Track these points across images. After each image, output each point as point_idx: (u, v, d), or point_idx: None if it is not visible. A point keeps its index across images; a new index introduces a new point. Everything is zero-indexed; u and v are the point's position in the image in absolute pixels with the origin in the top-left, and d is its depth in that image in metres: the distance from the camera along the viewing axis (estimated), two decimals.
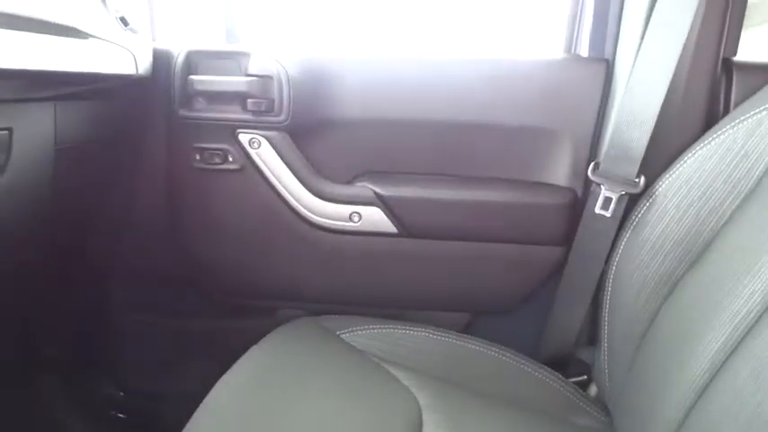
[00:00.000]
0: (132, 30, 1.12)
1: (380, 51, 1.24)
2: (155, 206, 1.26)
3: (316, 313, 1.21)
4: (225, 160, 1.19)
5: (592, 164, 1.04)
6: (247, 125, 1.18)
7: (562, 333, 1.11)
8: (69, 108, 1.05)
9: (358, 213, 1.18)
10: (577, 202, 1.14)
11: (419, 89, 1.18)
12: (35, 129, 0.99)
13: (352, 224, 1.19)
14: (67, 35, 0.97)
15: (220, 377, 0.94)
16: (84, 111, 1.09)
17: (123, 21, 1.10)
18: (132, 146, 1.22)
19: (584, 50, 1.24)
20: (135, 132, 1.22)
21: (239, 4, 1.41)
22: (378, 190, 1.18)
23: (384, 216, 1.18)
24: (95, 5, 1.07)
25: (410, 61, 1.21)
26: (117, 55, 1.06)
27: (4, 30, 0.82)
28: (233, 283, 1.30)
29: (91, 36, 1.01)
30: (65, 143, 1.05)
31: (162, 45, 1.22)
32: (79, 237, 1.25)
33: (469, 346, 1.09)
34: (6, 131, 0.93)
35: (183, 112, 1.19)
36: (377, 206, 1.17)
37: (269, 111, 1.17)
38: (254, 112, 1.17)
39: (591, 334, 1.13)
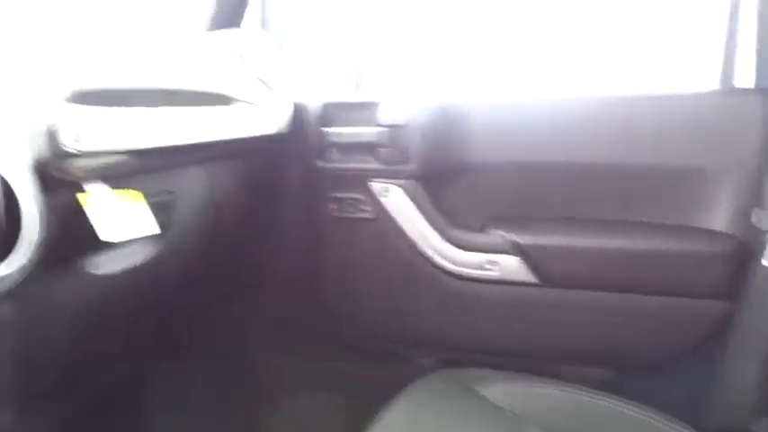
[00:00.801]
0: (271, 88, 1.18)
1: (511, 93, 1.21)
2: (295, 252, 1.31)
3: (451, 362, 1.19)
4: (359, 209, 1.22)
5: (756, 209, 0.93)
6: (379, 174, 1.19)
7: (731, 401, 1.00)
8: (218, 168, 1.13)
9: (494, 262, 1.15)
10: (740, 250, 1.03)
11: (554, 130, 1.14)
12: (192, 189, 1.07)
13: (488, 273, 1.16)
14: (216, 103, 1.04)
15: (355, 423, 0.95)
16: (230, 169, 1.16)
17: (263, 81, 1.17)
18: (273, 196, 1.28)
19: (741, 81, 1.13)
20: (275, 183, 1.28)
21: (368, 50, 1.45)
22: (514, 237, 1.14)
23: (522, 264, 1.13)
24: (238, 69, 1.14)
25: (544, 102, 1.16)
26: (259, 115, 1.12)
27: (171, 107, 0.90)
28: (368, 330, 1.31)
29: (236, 100, 1.08)
30: (216, 199, 1.13)
31: (297, 98, 1.28)
32: (228, 283, 1.32)
33: (624, 410, 1.01)
34: (170, 194, 1.02)
35: (319, 163, 1.23)
36: (514, 254, 1.13)
37: (400, 160, 1.18)
38: (385, 162, 1.19)
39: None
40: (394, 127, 1.17)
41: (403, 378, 1.10)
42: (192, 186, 1.08)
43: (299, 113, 1.24)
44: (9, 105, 0.65)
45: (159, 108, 0.87)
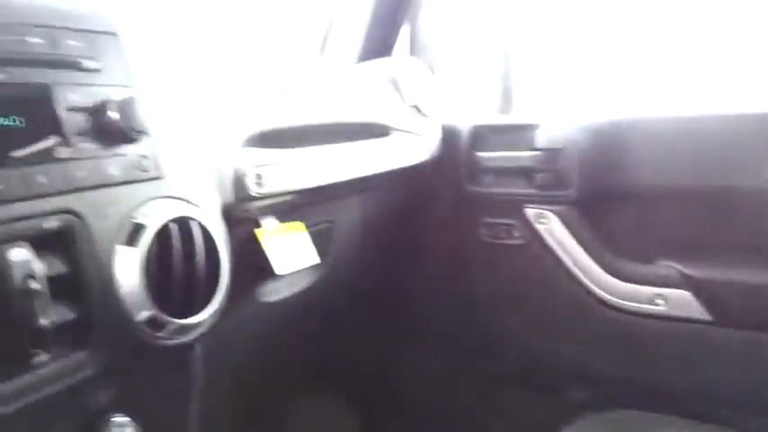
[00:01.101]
0: (424, 114, 1.19)
1: (679, 109, 1.11)
2: (445, 277, 1.30)
3: (605, 398, 1.12)
4: (511, 235, 1.18)
5: None
6: (534, 200, 1.15)
7: None
8: (372, 195, 1.16)
9: (662, 296, 1.06)
10: None
11: (729, 151, 1.02)
12: (348, 217, 1.11)
13: (655, 307, 1.07)
14: (376, 133, 1.07)
15: None
16: (383, 195, 1.18)
17: (417, 108, 1.18)
18: (423, 221, 1.29)
19: None
20: (426, 208, 1.28)
21: (518, 70, 1.41)
22: (686, 269, 1.04)
23: (694, 300, 1.03)
24: (393, 98, 1.16)
25: (715, 119, 1.05)
26: (414, 144, 1.13)
27: (338, 144, 0.93)
28: (516, 356, 1.27)
29: (394, 129, 1.10)
30: (369, 226, 1.16)
31: (447, 122, 1.27)
32: (380, 306, 1.34)
33: None
34: (330, 223, 1.06)
35: (470, 188, 1.22)
36: (686, 289, 1.04)
37: (557, 184, 1.13)
38: (541, 187, 1.14)
39: None
40: (550, 150, 1.12)
41: (553, 411, 1.05)
42: (348, 215, 1.12)
43: (448, 137, 1.23)
44: (198, 152, 0.70)
45: (327, 146, 0.91)
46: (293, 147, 0.89)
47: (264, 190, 0.77)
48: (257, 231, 0.86)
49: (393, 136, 1.08)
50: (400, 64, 1.19)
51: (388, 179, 1.13)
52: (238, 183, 0.74)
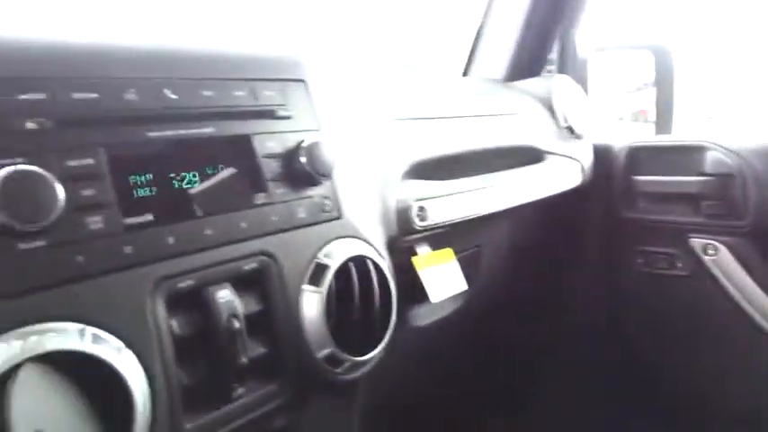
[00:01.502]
0: (578, 135, 1.14)
1: None
2: (592, 303, 1.24)
3: None
4: (672, 266, 1.10)
5: None
6: (701, 229, 1.06)
7: None
8: (521, 220, 1.13)
9: None
10: None
11: None
12: (496, 242, 1.09)
13: None
14: (530, 158, 1.04)
15: None
16: (532, 219, 1.15)
17: (570, 129, 1.14)
18: (573, 246, 1.24)
19: None
20: (575, 233, 1.23)
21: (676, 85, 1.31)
22: None
23: None
24: (547, 119, 1.12)
25: None
26: (568, 168, 1.08)
27: (494, 174, 0.92)
28: (673, 391, 1.18)
29: (548, 153, 1.06)
30: (517, 250, 1.13)
31: (600, 142, 1.21)
32: (526, 330, 1.31)
33: None
34: (477, 248, 1.05)
35: (626, 214, 1.15)
36: None
37: (729, 214, 1.03)
38: (710, 216, 1.05)
39: None
40: (721, 176, 1.02)
41: None
42: (496, 239, 1.10)
43: (601, 159, 1.17)
44: (366, 187, 0.72)
45: (484, 176, 0.90)
46: (450, 174, 0.89)
47: (427, 223, 0.77)
48: (414, 260, 0.87)
49: (548, 161, 1.05)
50: (553, 83, 1.15)
51: (539, 203, 1.09)
52: (402, 216, 0.75)
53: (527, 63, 1.25)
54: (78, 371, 0.41)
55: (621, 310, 1.20)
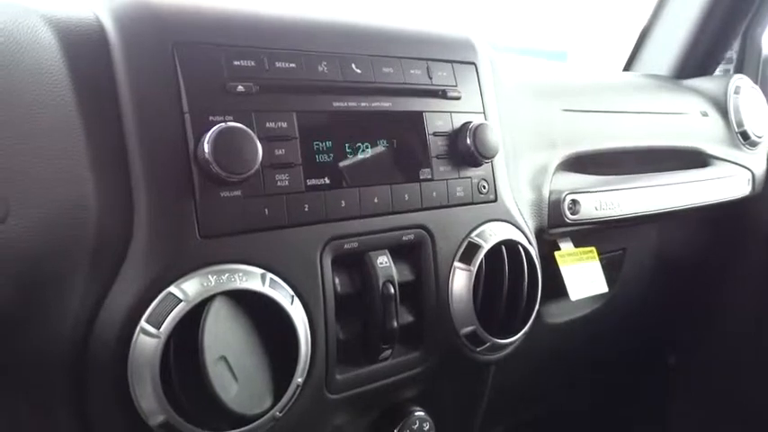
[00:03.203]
0: (752, 143, 1.04)
1: None
2: (744, 325, 1.14)
3: None
4: None
5: None
6: None
7: None
8: (672, 227, 1.06)
9: None
10: None
11: None
12: (642, 246, 1.03)
13: None
14: (692, 161, 0.97)
15: None
16: (686, 228, 1.08)
17: (744, 135, 1.04)
18: (730, 261, 1.14)
19: None
20: (734, 247, 1.13)
21: None
22: None
23: None
24: (718, 122, 1.04)
25: None
26: (735, 176, 0.99)
27: (652, 175, 0.88)
28: None
29: (714, 158, 0.99)
30: (665, 258, 1.07)
31: None
32: (664, 341, 1.24)
33: None
34: (621, 251, 1.01)
35: None
36: None
37: None
38: None
39: None
40: None
41: None
42: (642, 244, 1.04)
43: None
44: (522, 175, 0.72)
45: (641, 176, 0.86)
46: (606, 172, 0.86)
47: (578, 217, 0.76)
48: (557, 254, 0.85)
49: (713, 167, 0.97)
50: (730, 83, 1.06)
51: (696, 211, 1.02)
52: (554, 207, 0.74)
53: (700, 60, 1.16)
54: (257, 311, 0.46)
55: None
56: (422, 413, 0.66)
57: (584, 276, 0.90)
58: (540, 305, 0.93)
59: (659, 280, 1.08)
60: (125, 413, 0.43)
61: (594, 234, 0.92)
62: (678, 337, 1.21)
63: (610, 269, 0.97)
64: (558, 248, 0.87)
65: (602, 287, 0.92)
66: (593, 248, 0.92)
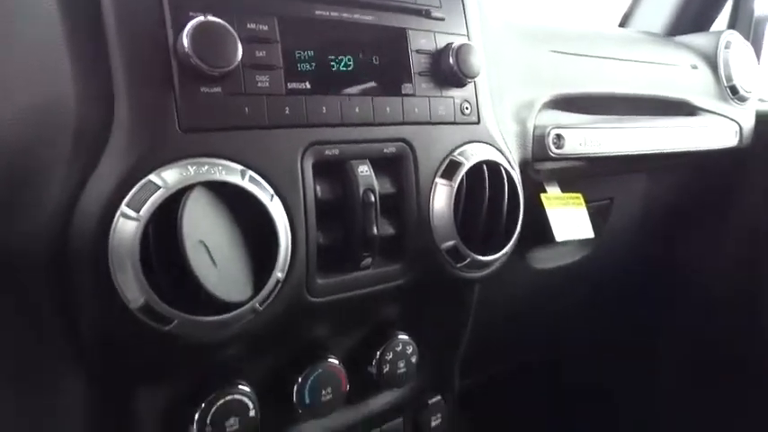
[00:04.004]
0: (741, 98, 1.05)
1: None
2: (732, 277, 1.15)
3: None
4: None
5: None
6: None
7: None
8: (661, 177, 1.07)
9: None
10: None
11: None
12: (630, 197, 1.04)
13: None
14: (679, 112, 0.98)
15: None
16: (674, 179, 1.08)
17: (733, 89, 1.05)
18: (716, 212, 1.15)
19: None
20: (721, 199, 1.14)
21: None
22: None
23: None
24: (708, 76, 1.05)
25: None
26: (722, 128, 1.00)
27: (637, 117, 0.89)
28: None
29: (701, 110, 0.99)
30: (653, 209, 1.08)
31: (764, 107, 1.10)
32: (649, 293, 1.25)
33: None
34: (608, 200, 1.02)
35: None
36: None
37: None
38: None
39: None
40: None
41: None
42: (630, 194, 1.05)
43: (763, 125, 1.07)
44: (507, 105, 0.73)
45: (628, 117, 0.87)
46: (592, 113, 0.87)
47: (563, 151, 0.76)
48: (543, 197, 0.86)
49: (700, 116, 0.98)
50: (721, 38, 1.06)
51: (682, 162, 1.03)
52: (538, 142, 0.75)
53: (692, 18, 1.16)
54: (237, 206, 0.47)
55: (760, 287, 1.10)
56: (405, 336, 0.67)
57: (569, 220, 0.91)
58: (527, 250, 0.96)
59: (646, 233, 1.09)
60: (107, 300, 0.44)
61: (582, 181, 0.93)
62: (663, 293, 1.22)
63: (597, 218, 0.98)
64: (545, 191, 0.89)
65: (587, 232, 0.93)
66: (580, 195, 0.93)
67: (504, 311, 0.98)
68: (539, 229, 0.87)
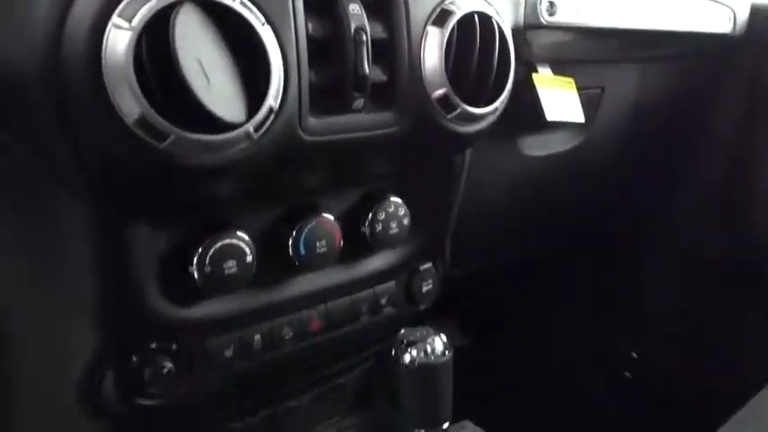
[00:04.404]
0: None
1: None
2: (719, 168, 1.18)
3: None
4: None
5: None
6: None
7: None
8: (653, 68, 1.07)
9: None
10: None
11: None
12: (622, 87, 1.05)
13: None
14: None
15: None
16: (665, 70, 1.08)
17: None
18: (707, 106, 1.16)
19: None
20: (714, 91, 1.14)
21: None
22: None
23: None
24: None
25: None
26: (716, 11, 1.00)
27: None
28: None
29: None
30: (645, 100, 1.08)
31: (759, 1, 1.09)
32: (642, 184, 1.28)
33: None
34: (599, 90, 1.02)
35: None
36: None
37: None
38: None
39: None
40: None
41: None
42: (622, 85, 1.05)
43: (759, 16, 1.06)
44: None
45: None
46: None
47: (555, 19, 0.76)
48: (535, 76, 0.87)
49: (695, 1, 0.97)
50: None
51: (674, 49, 1.03)
52: (531, 7, 0.74)
53: None
54: (229, 30, 0.46)
55: (743, 185, 1.13)
56: (397, 199, 0.69)
57: (560, 101, 0.92)
58: (518, 135, 0.97)
59: (638, 126, 1.10)
60: (104, 115, 0.44)
61: (573, 67, 0.93)
62: (653, 186, 1.25)
63: (588, 107, 0.99)
64: (536, 71, 0.89)
65: (578, 116, 0.94)
66: (571, 78, 0.93)
67: (496, 201, 0.99)
68: (530, 113, 0.88)
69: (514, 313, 1.45)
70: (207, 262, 0.55)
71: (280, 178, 0.58)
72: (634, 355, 1.37)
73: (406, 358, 0.63)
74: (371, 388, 0.88)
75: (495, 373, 1.37)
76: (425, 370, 0.63)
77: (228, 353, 0.62)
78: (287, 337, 0.66)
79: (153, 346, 0.58)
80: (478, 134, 0.66)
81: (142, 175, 0.48)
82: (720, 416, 0.78)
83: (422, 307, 0.79)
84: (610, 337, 1.41)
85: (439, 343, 0.63)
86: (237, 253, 0.57)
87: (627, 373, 1.39)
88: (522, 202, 1.03)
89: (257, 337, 0.64)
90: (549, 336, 1.45)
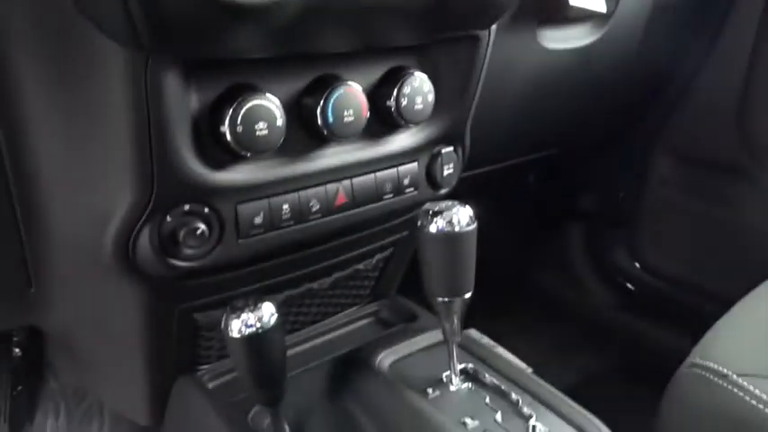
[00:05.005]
0: None
1: None
2: (725, 79, 1.17)
3: None
4: None
5: None
6: None
7: None
8: None
9: None
10: None
11: None
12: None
13: None
14: None
15: None
16: None
17: None
18: (718, 16, 1.14)
19: None
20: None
21: None
22: None
23: None
24: None
25: None
26: None
27: None
28: None
29: None
30: (659, 12, 1.07)
31: None
32: (646, 82, 1.27)
33: None
34: None
35: None
36: None
37: None
38: None
39: None
40: None
41: None
42: None
43: None
44: None
45: None
46: None
47: None
48: None
49: None
50: None
51: None
52: None
53: None
54: None
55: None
56: (423, 74, 0.68)
57: None
58: (539, 27, 0.95)
59: (654, 27, 1.09)
60: None
61: None
62: (666, 97, 1.24)
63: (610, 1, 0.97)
64: None
65: (600, 5, 0.92)
66: None
67: (515, 95, 0.98)
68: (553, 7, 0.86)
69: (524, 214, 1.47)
70: (239, 121, 0.55)
71: (307, 36, 0.57)
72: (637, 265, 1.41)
73: (432, 228, 0.64)
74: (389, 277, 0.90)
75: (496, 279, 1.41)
76: (450, 239, 0.64)
77: (258, 219, 0.63)
78: (314, 209, 0.67)
79: (186, 208, 0.58)
80: (504, 4, 0.65)
81: (184, 12, 0.47)
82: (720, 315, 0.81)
83: (442, 191, 0.79)
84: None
85: (464, 214, 0.64)
86: (268, 115, 0.57)
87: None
88: (538, 96, 1.02)
89: (286, 206, 0.64)
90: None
